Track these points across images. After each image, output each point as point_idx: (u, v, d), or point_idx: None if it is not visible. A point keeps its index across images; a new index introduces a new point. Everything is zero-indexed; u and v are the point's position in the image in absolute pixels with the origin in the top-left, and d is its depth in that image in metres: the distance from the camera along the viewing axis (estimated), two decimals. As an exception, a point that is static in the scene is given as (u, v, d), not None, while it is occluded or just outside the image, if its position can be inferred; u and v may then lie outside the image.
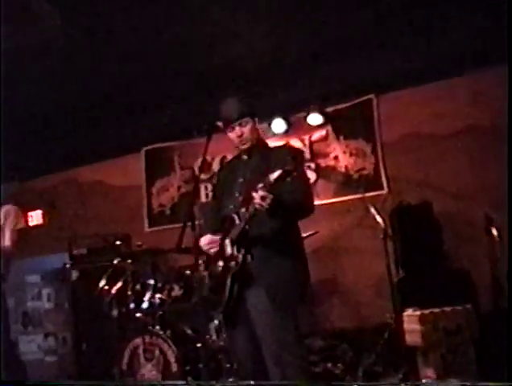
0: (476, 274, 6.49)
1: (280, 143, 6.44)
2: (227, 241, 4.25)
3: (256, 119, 4.53)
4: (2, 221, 5.56)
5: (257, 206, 3.93)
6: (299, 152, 4.20)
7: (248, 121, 4.45)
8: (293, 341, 4.19)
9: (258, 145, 4.55)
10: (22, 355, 8.50)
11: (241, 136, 4.44)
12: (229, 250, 4.23)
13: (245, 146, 4.49)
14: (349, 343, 6.77)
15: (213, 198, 5.07)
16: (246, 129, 4.44)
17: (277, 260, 4.22)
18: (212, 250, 4.39)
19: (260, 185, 3.88)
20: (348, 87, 7.68)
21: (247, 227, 4.16)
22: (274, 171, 3.84)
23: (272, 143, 4.96)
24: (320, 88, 7.64)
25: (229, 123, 4.44)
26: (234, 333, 4.43)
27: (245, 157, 4.55)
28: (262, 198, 3.86)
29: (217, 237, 4.38)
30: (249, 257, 4.17)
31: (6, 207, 5.72)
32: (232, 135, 4.49)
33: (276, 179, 3.81)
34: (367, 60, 7.30)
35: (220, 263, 4.27)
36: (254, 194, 3.91)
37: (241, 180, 4.46)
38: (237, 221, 4.20)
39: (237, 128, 4.44)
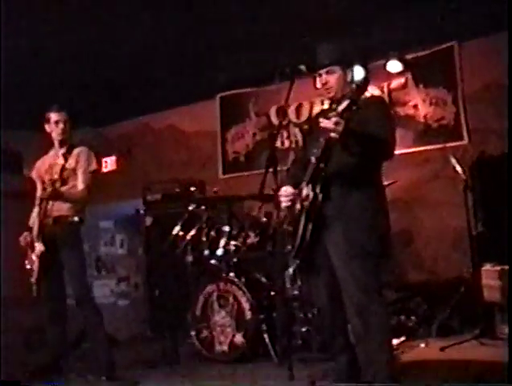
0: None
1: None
2: (304, 184, 4.15)
3: (348, 70, 4.34)
4: (74, 164, 5.50)
5: (331, 134, 3.76)
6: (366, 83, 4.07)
7: (335, 69, 4.28)
8: (376, 289, 4.08)
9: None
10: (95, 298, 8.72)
11: (325, 84, 4.31)
12: (304, 191, 4.12)
13: (329, 95, 4.35)
14: (424, 297, 6.68)
15: (303, 148, 4.85)
16: (332, 78, 4.28)
17: (356, 200, 4.08)
18: (287, 204, 4.30)
19: (331, 113, 3.78)
20: (429, 33, 7.42)
21: (322, 165, 4.05)
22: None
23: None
24: (400, 35, 7.41)
25: (317, 69, 4.32)
26: (312, 278, 4.38)
27: (334, 106, 4.32)
28: (336, 123, 3.68)
29: (295, 191, 4.28)
30: (320, 195, 4.04)
31: (78, 149, 5.60)
32: (319, 82, 4.34)
33: (344, 109, 3.69)
34: (449, 6, 7.04)
35: (298, 206, 4.18)
36: (326, 121, 3.76)
37: None
38: (313, 160, 4.08)
39: (324, 75, 4.30)
